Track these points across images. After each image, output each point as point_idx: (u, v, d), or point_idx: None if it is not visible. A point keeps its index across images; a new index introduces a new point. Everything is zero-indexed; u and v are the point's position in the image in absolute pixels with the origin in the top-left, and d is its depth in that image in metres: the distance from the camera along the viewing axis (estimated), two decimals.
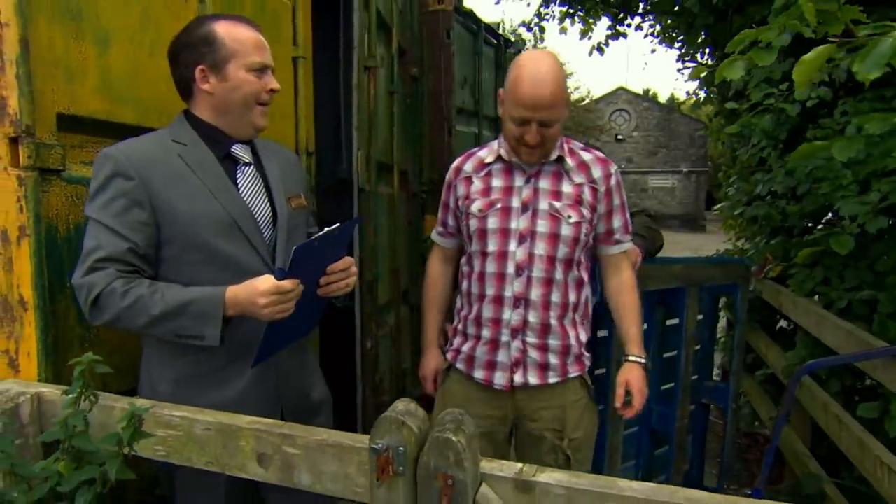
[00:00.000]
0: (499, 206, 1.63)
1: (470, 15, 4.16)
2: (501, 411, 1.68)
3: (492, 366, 1.65)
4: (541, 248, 1.60)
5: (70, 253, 1.37)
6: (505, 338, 1.63)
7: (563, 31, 5.64)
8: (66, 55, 1.33)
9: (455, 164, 1.78)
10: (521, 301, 1.61)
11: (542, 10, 5.53)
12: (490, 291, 1.64)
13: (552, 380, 1.64)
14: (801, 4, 1.20)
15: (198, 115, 1.36)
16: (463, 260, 1.76)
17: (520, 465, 0.91)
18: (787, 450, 2.68)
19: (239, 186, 1.35)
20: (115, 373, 1.44)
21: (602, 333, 2.13)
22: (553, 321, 1.62)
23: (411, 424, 0.86)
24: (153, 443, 1.12)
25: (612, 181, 1.67)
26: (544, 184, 1.63)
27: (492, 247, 1.63)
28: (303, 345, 1.51)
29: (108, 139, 1.50)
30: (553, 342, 1.63)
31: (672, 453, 2.45)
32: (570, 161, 1.64)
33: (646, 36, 5.26)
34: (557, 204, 1.61)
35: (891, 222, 2.27)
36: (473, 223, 1.66)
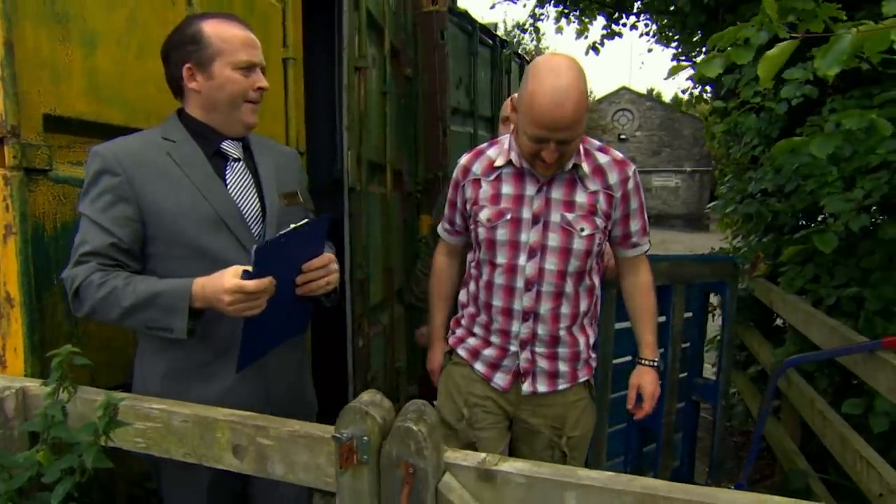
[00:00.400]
0: (508, 216, 1.57)
1: (464, 15, 4.19)
2: (502, 402, 1.66)
3: (495, 367, 1.64)
4: (551, 263, 1.55)
5: (57, 251, 1.40)
6: (513, 348, 1.61)
7: (559, 30, 5.66)
8: (53, 57, 1.36)
9: (463, 162, 1.69)
10: (531, 315, 1.58)
11: (536, 10, 5.56)
12: (498, 303, 1.60)
13: (562, 386, 1.63)
14: (764, 3, 1.22)
15: (189, 113, 1.38)
16: (471, 260, 1.72)
17: (483, 454, 0.93)
18: (777, 447, 2.70)
19: (227, 182, 1.37)
20: (104, 368, 1.50)
21: None
22: (562, 332, 1.59)
23: (375, 414, 0.88)
24: (133, 434, 1.15)
25: (630, 185, 1.58)
26: (557, 193, 1.55)
27: (501, 259, 1.58)
28: (297, 344, 1.52)
29: (95, 140, 1.52)
30: (562, 350, 1.61)
31: (659, 450, 2.47)
32: (585, 167, 1.55)
33: (641, 35, 5.30)
34: (570, 216, 1.54)
35: (873, 220, 2.29)
36: (482, 232, 1.60)
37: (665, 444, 2.47)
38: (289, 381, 1.47)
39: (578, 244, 1.55)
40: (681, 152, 25.10)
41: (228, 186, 1.37)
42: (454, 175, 1.71)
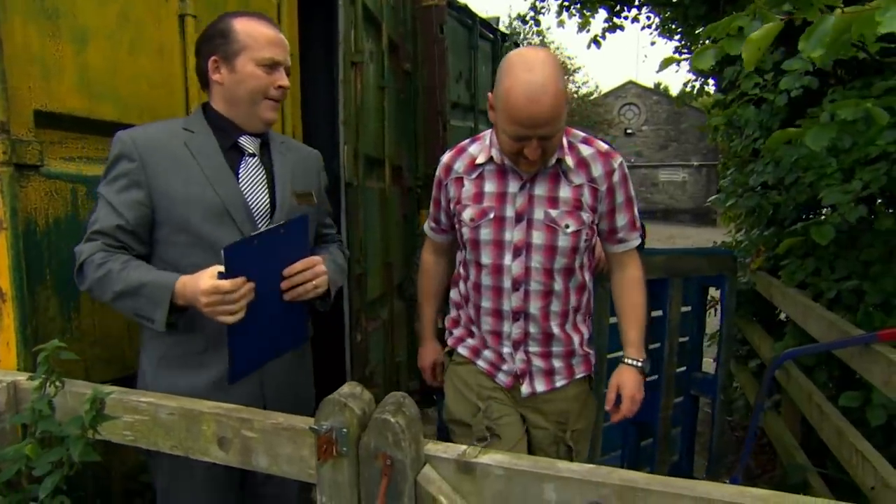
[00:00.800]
0: (491, 215, 1.53)
1: (464, 9, 4.17)
2: (508, 397, 1.64)
3: (495, 367, 1.62)
4: (537, 262, 1.52)
5: (50, 246, 1.42)
6: (507, 349, 1.59)
7: (561, 24, 5.62)
8: (43, 53, 1.37)
9: (445, 160, 1.65)
10: (521, 314, 1.55)
11: (537, 3, 5.51)
12: (487, 304, 1.58)
13: (559, 383, 1.61)
14: None
15: (213, 106, 1.43)
16: (459, 259, 1.70)
17: (463, 447, 0.94)
18: (777, 441, 2.69)
19: (239, 176, 1.39)
20: (98, 363, 1.51)
21: None
22: (555, 330, 1.57)
23: (353, 406, 0.88)
24: (122, 428, 1.16)
25: (616, 177, 1.53)
26: (540, 189, 1.51)
27: (486, 259, 1.55)
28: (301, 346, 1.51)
29: (88, 136, 1.54)
30: (556, 349, 1.59)
31: (656, 444, 2.46)
32: (569, 160, 1.50)
33: (643, 28, 5.24)
34: (554, 212, 1.50)
35: (870, 211, 2.26)
36: (466, 232, 1.57)
37: (662, 438, 2.47)
38: (284, 381, 1.47)
39: (564, 241, 1.51)
40: (688, 146, 24.95)
41: (240, 180, 1.39)
42: (437, 173, 1.68)
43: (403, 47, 3.49)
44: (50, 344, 1.02)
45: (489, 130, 1.60)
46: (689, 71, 5.43)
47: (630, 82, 25.80)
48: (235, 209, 1.35)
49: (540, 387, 1.60)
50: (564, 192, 1.51)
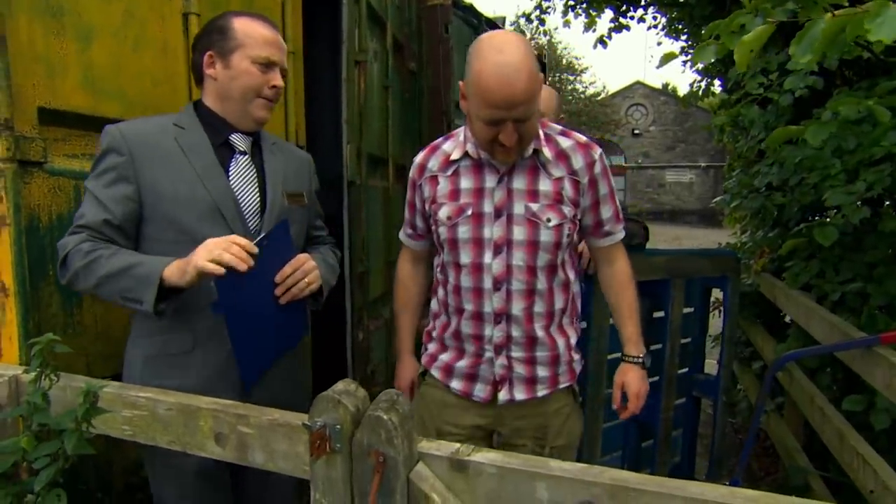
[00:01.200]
0: (469, 212, 1.47)
1: (469, 9, 4.18)
2: (480, 420, 1.57)
3: (472, 378, 1.55)
4: (519, 259, 1.45)
5: (52, 242, 1.42)
6: (488, 354, 1.51)
7: (567, 24, 5.60)
8: (47, 51, 1.38)
9: (418, 160, 1.59)
10: (503, 316, 1.47)
11: (543, 2, 5.50)
12: (468, 307, 1.50)
13: (541, 393, 1.53)
14: None
15: (206, 102, 1.42)
16: (437, 265, 1.62)
17: (456, 445, 0.94)
18: (779, 443, 2.67)
19: (230, 173, 1.39)
20: (99, 358, 1.52)
21: (581, 325, 2.14)
22: (539, 332, 1.49)
23: (347, 403, 0.89)
24: (120, 422, 1.17)
25: (597, 169, 1.48)
26: (519, 183, 1.45)
27: (465, 258, 1.48)
28: (293, 353, 1.52)
29: (92, 133, 1.55)
30: (541, 354, 1.51)
31: (656, 446, 2.45)
32: (547, 151, 1.45)
33: (649, 28, 5.22)
34: (534, 206, 1.44)
35: (874, 212, 2.25)
36: (443, 231, 1.50)
37: (663, 440, 2.46)
38: (273, 384, 1.45)
39: (546, 236, 1.45)
40: (695, 147, 24.85)
41: (230, 177, 1.39)
42: (410, 174, 1.61)
43: (408, 47, 3.50)
44: (44, 337, 1.02)
45: (463, 127, 1.54)
46: (694, 71, 5.42)
47: (637, 83, 25.73)
48: (226, 207, 1.35)
49: (519, 395, 1.52)
50: (544, 185, 1.46)
